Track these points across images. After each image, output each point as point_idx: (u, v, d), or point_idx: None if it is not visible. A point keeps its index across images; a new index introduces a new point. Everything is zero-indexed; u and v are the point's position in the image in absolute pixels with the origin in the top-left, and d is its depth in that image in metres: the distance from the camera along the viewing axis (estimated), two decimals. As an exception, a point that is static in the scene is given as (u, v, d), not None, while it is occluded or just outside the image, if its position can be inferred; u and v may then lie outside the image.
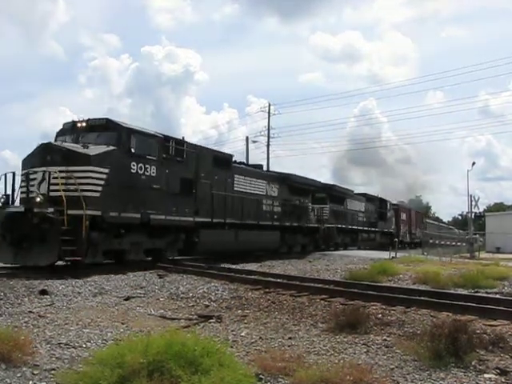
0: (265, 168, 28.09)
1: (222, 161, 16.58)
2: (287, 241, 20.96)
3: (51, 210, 10.56)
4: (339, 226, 26.30)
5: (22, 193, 11.63)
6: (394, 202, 39.82)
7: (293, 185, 21.56)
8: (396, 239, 26.97)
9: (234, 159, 18.01)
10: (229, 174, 16.88)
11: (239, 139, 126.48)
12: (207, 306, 7.92)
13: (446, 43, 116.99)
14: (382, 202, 35.36)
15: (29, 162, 11.76)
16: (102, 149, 11.60)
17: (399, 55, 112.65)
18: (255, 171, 19.66)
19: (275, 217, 19.76)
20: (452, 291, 9.65)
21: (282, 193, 20.73)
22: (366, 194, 33.87)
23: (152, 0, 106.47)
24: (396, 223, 38.08)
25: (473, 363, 4.57)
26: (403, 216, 40.71)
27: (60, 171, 10.88)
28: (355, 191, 32.84)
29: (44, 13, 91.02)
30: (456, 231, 61.89)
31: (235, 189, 17.11)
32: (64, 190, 10.69)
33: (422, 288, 10.12)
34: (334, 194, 26.72)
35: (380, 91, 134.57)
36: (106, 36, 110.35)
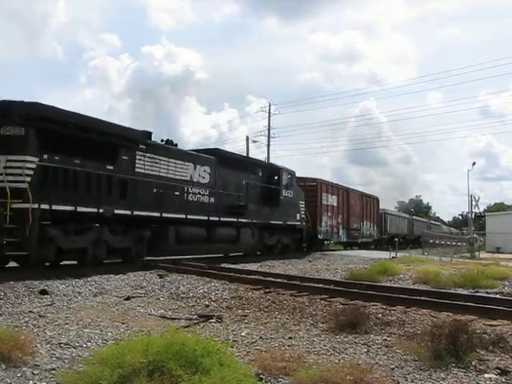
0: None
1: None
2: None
3: None
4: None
5: None
6: (314, 177, 24.79)
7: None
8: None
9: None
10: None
11: (239, 139, 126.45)
12: (207, 306, 7.92)
13: (446, 43, 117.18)
14: (272, 171, 19.73)
15: None
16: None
17: (399, 55, 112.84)
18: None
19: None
20: (452, 291, 9.65)
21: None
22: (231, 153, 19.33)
23: (152, 0, 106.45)
24: (314, 211, 23.06)
25: (473, 363, 4.57)
26: (328, 199, 25.02)
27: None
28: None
29: (44, 13, 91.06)
30: (444, 228, 59.04)
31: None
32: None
33: (423, 288, 10.12)
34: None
35: (380, 91, 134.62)
36: (106, 36, 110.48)
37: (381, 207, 35.92)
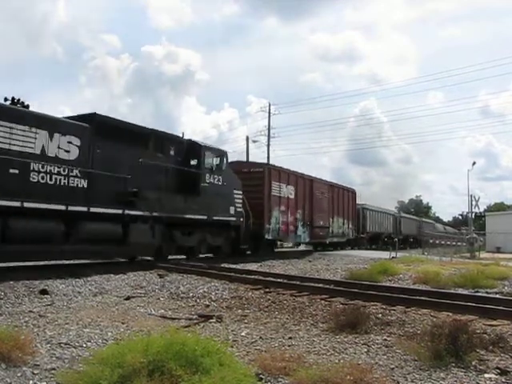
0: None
1: None
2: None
3: None
4: None
5: None
6: (262, 162, 22.97)
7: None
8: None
9: None
10: None
11: (240, 139, 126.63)
12: (207, 306, 7.92)
13: (446, 43, 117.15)
14: (190, 150, 15.16)
15: None
16: None
17: (399, 55, 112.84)
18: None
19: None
20: (452, 291, 9.65)
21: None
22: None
23: (152, 0, 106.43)
24: (260, 204, 18.79)
25: (473, 363, 4.57)
26: (282, 190, 20.33)
27: None
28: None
29: (44, 13, 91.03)
30: (439, 227, 55.11)
31: None
32: None
33: (423, 288, 10.12)
34: None
35: (380, 91, 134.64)
36: (106, 36, 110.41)
37: (367, 202, 33.47)
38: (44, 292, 8.40)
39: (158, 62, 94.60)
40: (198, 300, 8.43)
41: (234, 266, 13.60)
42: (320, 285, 10.05)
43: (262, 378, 4.03)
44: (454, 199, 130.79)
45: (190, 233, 15.04)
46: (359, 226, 31.28)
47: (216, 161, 15.83)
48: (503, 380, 4.24)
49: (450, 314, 6.98)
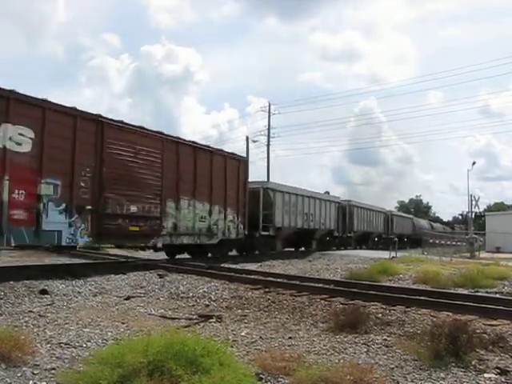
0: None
1: None
2: None
3: None
4: None
5: None
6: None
7: None
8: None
9: None
10: None
11: (240, 139, 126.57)
12: (207, 306, 7.92)
13: (446, 43, 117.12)
14: None
15: None
16: None
17: (399, 55, 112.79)
18: None
19: None
20: (452, 291, 9.65)
21: None
22: None
23: (152, 0, 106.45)
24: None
25: (473, 363, 4.58)
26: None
27: None
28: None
29: (44, 12, 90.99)
30: (423, 223, 47.91)
31: None
32: None
33: (422, 288, 10.12)
34: None
35: (380, 91, 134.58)
36: (106, 36, 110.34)
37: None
38: (44, 292, 8.40)
39: (157, 62, 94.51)
40: (197, 300, 8.43)
41: (233, 266, 13.60)
42: (320, 285, 10.05)
43: (261, 378, 4.03)
44: (454, 199, 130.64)
45: None
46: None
47: None
48: (503, 380, 4.24)
49: (450, 313, 6.98)
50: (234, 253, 18.57)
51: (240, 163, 17.70)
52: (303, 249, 24.60)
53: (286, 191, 21.82)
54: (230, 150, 17.99)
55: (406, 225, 42.51)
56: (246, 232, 17.68)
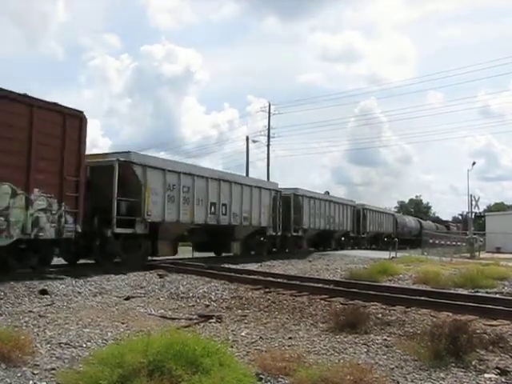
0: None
1: None
2: None
3: None
4: None
5: None
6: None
7: None
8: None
9: None
10: None
11: (240, 139, 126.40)
12: (207, 306, 7.92)
13: (446, 43, 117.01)
14: None
15: None
16: None
17: (399, 55, 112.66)
18: None
19: None
20: (452, 291, 9.65)
21: None
22: None
23: (152, 0, 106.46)
24: None
25: (473, 363, 4.58)
26: None
27: None
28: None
29: (44, 13, 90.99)
30: (408, 221, 42.14)
31: None
32: None
33: (422, 288, 10.12)
34: None
35: (380, 91, 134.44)
36: (106, 36, 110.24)
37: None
38: (44, 292, 8.40)
39: (157, 62, 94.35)
40: (197, 300, 8.43)
41: (233, 266, 13.61)
42: (320, 285, 10.05)
43: (261, 378, 4.03)
44: (454, 199, 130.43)
45: None
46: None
47: None
48: (503, 380, 4.24)
49: (450, 313, 6.98)
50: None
51: (69, 120, 10.96)
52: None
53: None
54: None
55: (386, 222, 36.53)
56: (80, 230, 11.17)
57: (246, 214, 18.37)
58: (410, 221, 43.75)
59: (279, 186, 21.53)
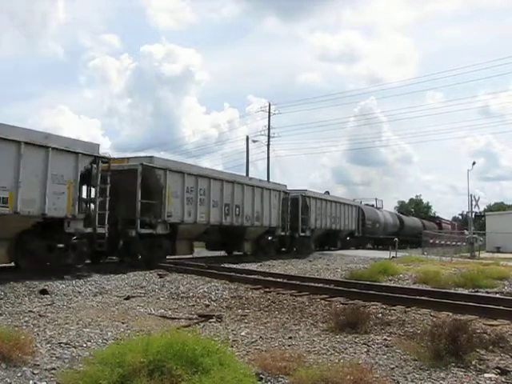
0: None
1: None
2: None
3: None
4: None
5: None
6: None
7: None
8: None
9: None
10: None
11: (239, 139, 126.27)
12: (207, 306, 7.92)
13: (446, 43, 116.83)
14: None
15: None
16: None
17: (399, 55, 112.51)
18: None
19: None
20: (452, 291, 9.65)
21: None
22: None
23: (152, 0, 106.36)
24: None
25: (473, 363, 4.58)
26: None
27: None
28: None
29: (44, 13, 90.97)
30: (384, 216, 34.93)
31: None
32: None
33: (423, 288, 10.12)
34: None
35: (380, 91, 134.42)
36: (106, 36, 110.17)
37: None
38: (44, 292, 8.40)
39: (157, 62, 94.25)
40: (197, 300, 8.43)
41: (233, 266, 13.61)
42: (320, 285, 10.05)
43: (262, 378, 4.03)
44: (454, 199, 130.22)
45: None
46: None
47: None
48: (503, 380, 4.24)
49: (450, 313, 6.98)
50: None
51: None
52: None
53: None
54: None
55: (347, 217, 28.47)
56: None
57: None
58: (385, 215, 36.44)
59: (282, 187, 21.76)
